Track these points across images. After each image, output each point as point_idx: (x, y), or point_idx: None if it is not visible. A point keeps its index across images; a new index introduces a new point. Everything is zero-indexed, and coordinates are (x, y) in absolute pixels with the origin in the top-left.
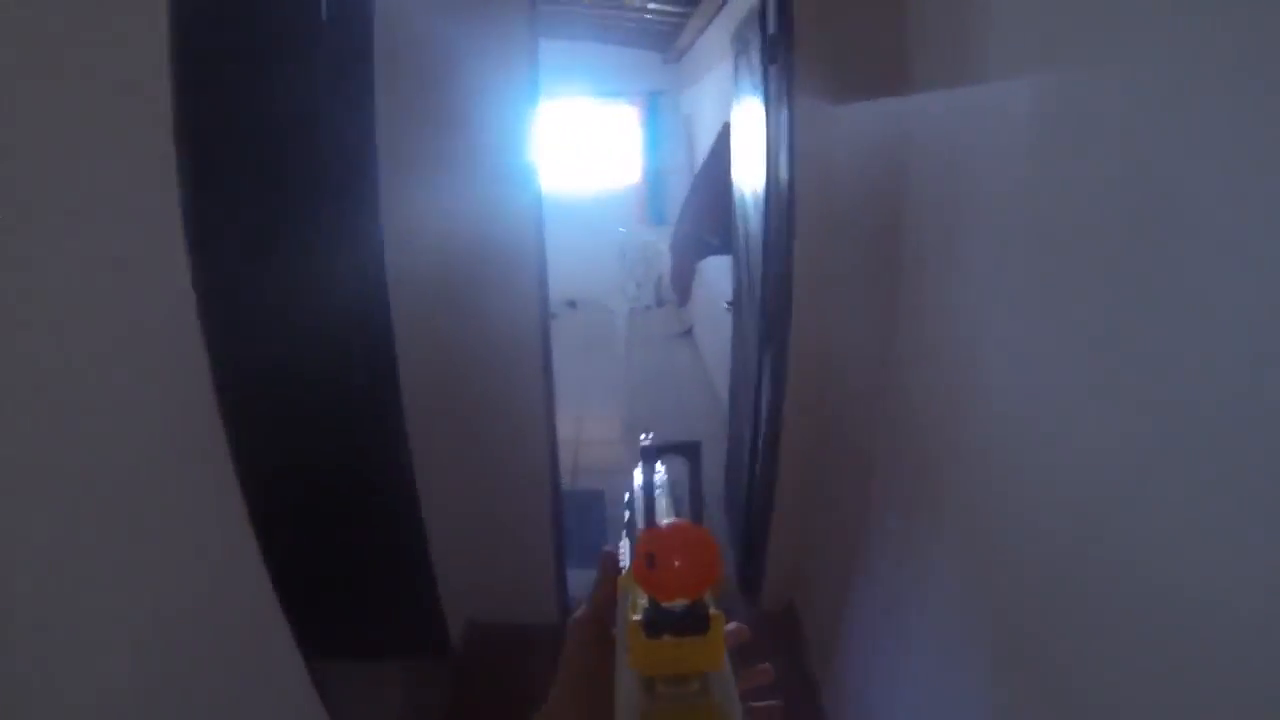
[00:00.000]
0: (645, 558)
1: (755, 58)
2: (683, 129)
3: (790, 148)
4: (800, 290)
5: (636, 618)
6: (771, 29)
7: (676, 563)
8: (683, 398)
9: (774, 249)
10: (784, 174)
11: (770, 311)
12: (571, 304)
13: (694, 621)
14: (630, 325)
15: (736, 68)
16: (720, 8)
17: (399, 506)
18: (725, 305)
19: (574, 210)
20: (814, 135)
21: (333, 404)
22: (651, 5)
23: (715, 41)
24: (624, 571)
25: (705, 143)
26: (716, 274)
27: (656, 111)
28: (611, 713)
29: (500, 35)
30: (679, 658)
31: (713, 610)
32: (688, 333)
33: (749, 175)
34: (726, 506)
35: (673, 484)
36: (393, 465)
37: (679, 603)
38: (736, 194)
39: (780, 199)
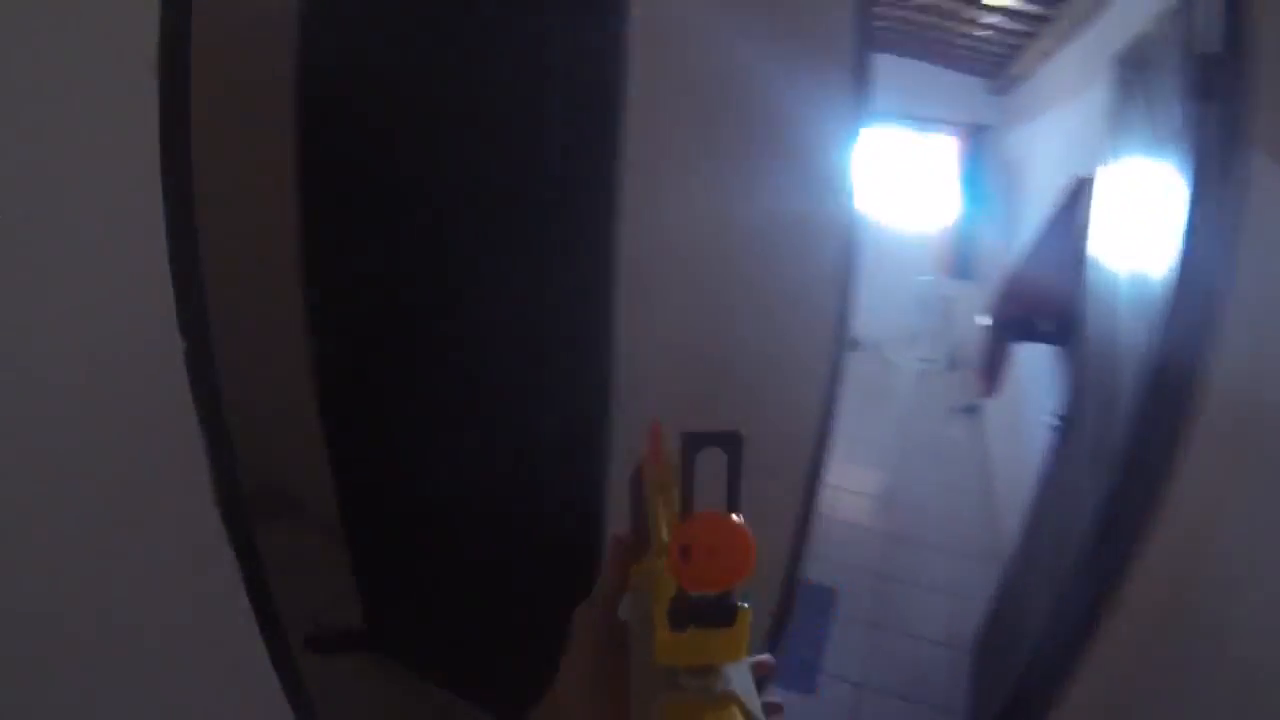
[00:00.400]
0: (680, 548)
1: (1166, 90)
2: (1005, 175)
3: (1231, 239)
4: (1198, 452)
5: (662, 607)
6: (1209, 44)
7: (711, 555)
8: (951, 494)
9: (1173, 386)
10: (1210, 277)
11: (1139, 466)
12: (853, 343)
13: (722, 613)
14: (913, 387)
15: (1120, 104)
16: (1081, 23)
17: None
18: (1050, 418)
19: (873, 245)
20: (1272, 224)
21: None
22: (988, 20)
23: (1067, 70)
24: (640, 560)
25: (1034, 197)
26: (1035, 364)
27: (979, 150)
28: (621, 701)
29: (822, 51)
30: (704, 649)
31: (740, 603)
32: (972, 409)
33: (1129, 263)
34: (976, 656)
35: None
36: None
37: (707, 593)
38: (1094, 279)
39: (1195, 313)
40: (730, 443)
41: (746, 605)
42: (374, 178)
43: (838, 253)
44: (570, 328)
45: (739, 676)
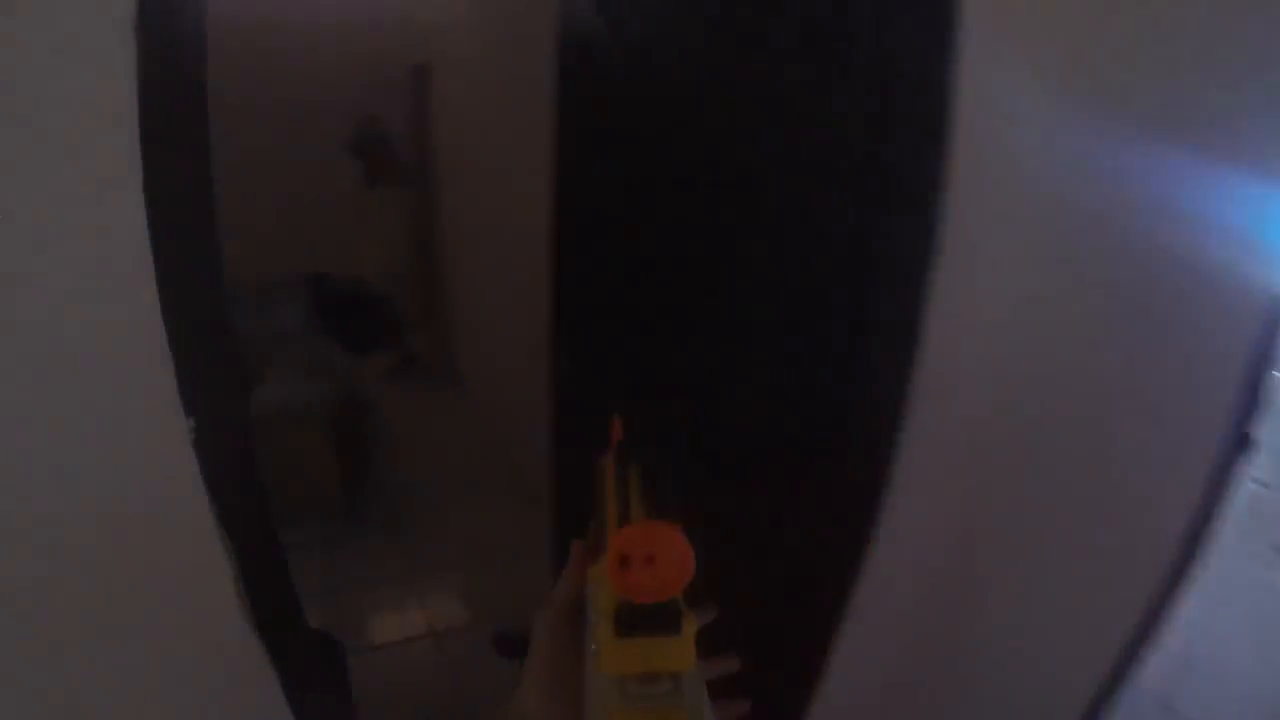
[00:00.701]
0: (619, 558)
1: None
2: None
3: None
4: None
5: (606, 616)
6: None
7: (649, 563)
8: (1268, 665)
9: None
10: None
11: None
12: None
13: (666, 621)
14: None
15: None
16: None
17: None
18: None
19: None
20: None
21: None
22: None
23: None
24: (595, 562)
25: None
26: None
27: None
28: (582, 703)
29: None
30: (650, 657)
31: (685, 610)
32: None
33: None
34: None
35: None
36: None
37: (652, 601)
38: None
39: None
40: (662, 453)
41: (689, 612)
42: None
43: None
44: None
45: (690, 686)
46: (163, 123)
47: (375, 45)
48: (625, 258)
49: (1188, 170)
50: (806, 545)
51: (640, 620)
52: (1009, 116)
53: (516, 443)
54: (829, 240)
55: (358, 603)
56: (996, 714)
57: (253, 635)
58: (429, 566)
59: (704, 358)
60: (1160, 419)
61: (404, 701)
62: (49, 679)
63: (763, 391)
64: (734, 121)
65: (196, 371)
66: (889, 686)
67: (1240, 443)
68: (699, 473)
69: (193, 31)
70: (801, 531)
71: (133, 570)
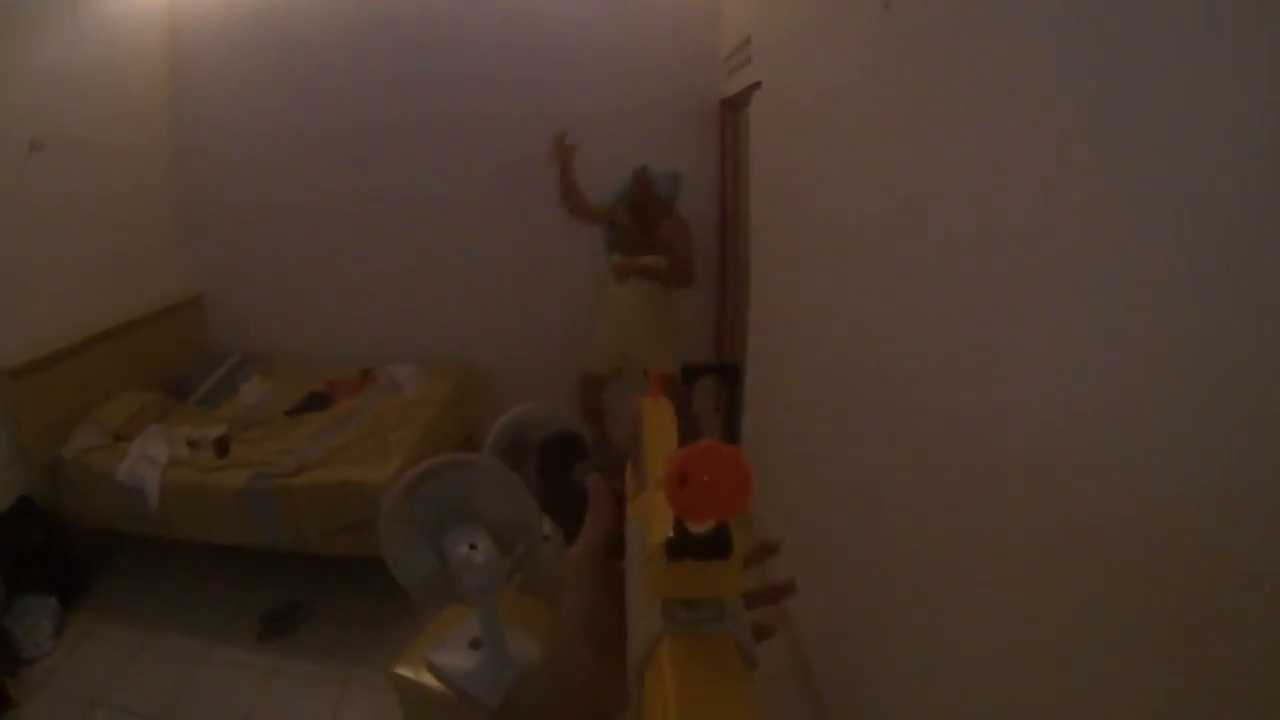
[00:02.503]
0: (679, 476)
1: None
2: None
3: None
4: None
5: (657, 539)
6: None
7: (707, 484)
8: None
9: None
10: None
11: None
12: None
13: (718, 545)
14: None
15: None
16: None
17: None
18: None
19: None
20: None
21: None
22: None
23: None
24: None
25: None
26: None
27: None
28: (616, 648)
29: None
30: (698, 581)
31: (736, 536)
32: None
33: None
34: None
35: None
36: None
37: (703, 527)
38: None
39: None
40: (728, 374)
41: (740, 538)
42: None
43: None
44: None
45: (734, 609)
46: None
47: None
48: None
49: None
50: None
51: (692, 544)
52: None
53: None
54: None
55: None
56: None
57: None
58: None
59: None
60: None
61: None
62: None
63: None
64: None
65: None
66: None
67: None
68: None
69: None
70: None
71: None
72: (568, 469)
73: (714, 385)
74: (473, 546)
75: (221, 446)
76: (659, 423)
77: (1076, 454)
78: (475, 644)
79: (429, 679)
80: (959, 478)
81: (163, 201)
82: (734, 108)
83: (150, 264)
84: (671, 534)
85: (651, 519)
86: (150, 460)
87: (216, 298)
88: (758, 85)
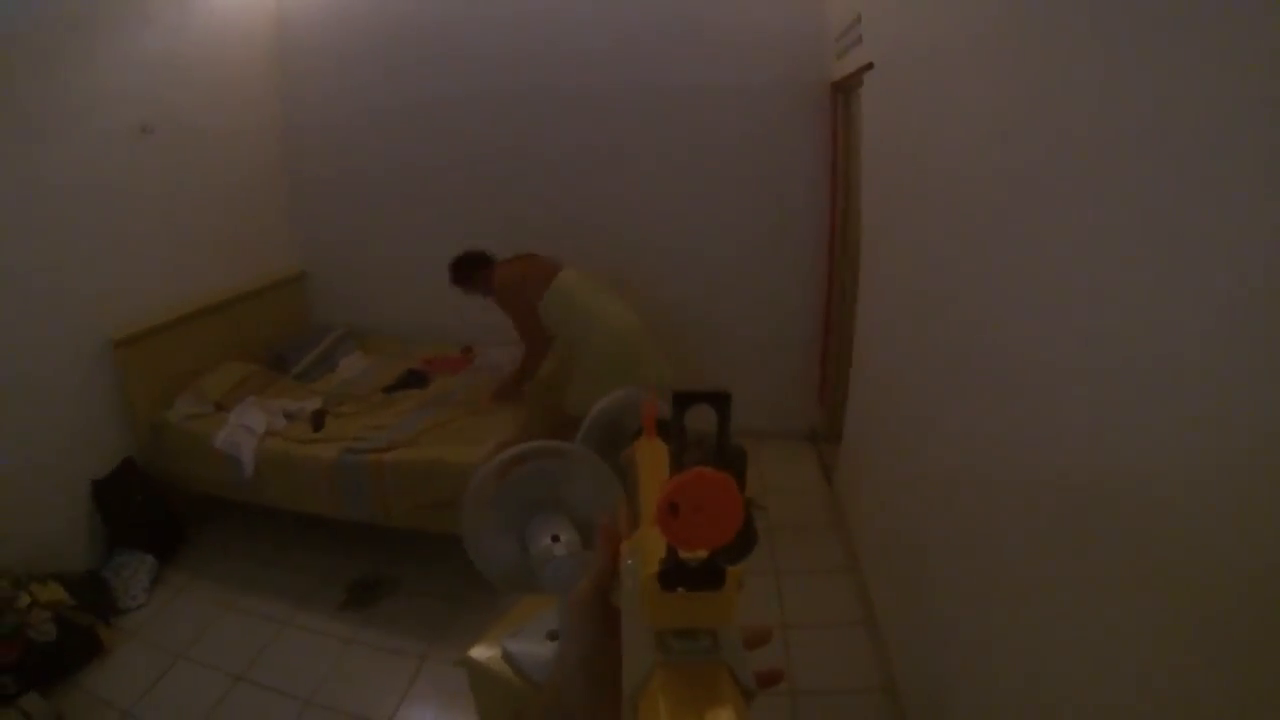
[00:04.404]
0: (669, 505)
1: None
2: None
3: None
4: None
5: (651, 570)
6: None
7: (698, 511)
8: None
9: None
10: None
11: None
12: None
13: (709, 575)
14: None
15: None
16: None
17: None
18: None
19: None
20: None
21: None
22: None
23: None
24: (629, 537)
25: None
26: None
27: None
28: (616, 688)
29: None
30: (692, 611)
31: (730, 568)
32: None
33: None
34: None
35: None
36: None
37: (695, 557)
38: None
39: None
40: (719, 401)
41: (734, 568)
42: None
43: None
44: None
45: (729, 640)
46: None
47: None
48: None
49: None
50: None
51: (684, 574)
52: None
53: None
54: None
55: None
56: None
57: None
58: None
59: None
60: None
61: None
62: None
63: None
64: None
65: None
66: None
67: None
68: None
69: None
70: None
71: None
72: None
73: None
74: (555, 538)
75: (317, 420)
76: (652, 463)
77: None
78: (553, 636)
79: (503, 666)
80: (1085, 500)
81: (270, 182)
82: (845, 91)
83: (257, 241)
84: (664, 563)
85: (645, 551)
86: (247, 430)
87: (320, 275)
88: (869, 67)
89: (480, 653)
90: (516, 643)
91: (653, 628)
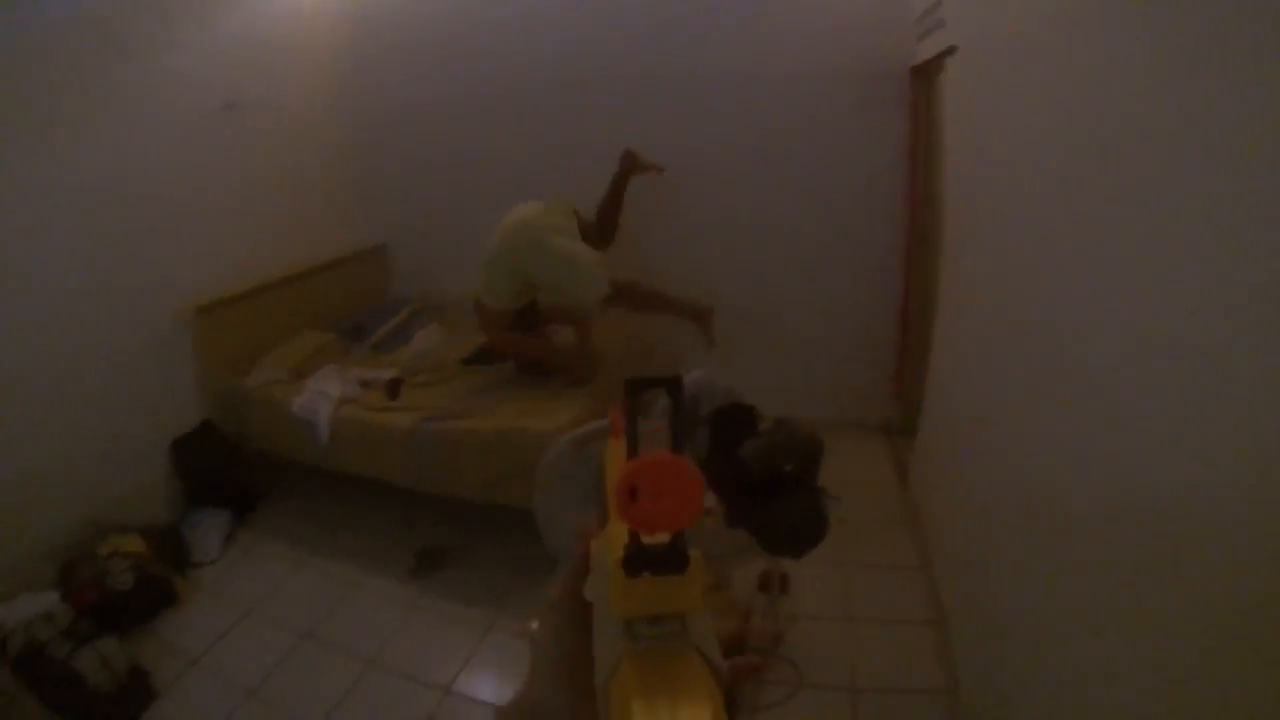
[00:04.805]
0: (628, 490)
1: None
2: None
3: None
4: None
5: (615, 560)
6: None
7: (658, 496)
8: None
9: None
10: None
11: None
12: None
13: (673, 560)
14: None
15: None
16: None
17: None
18: None
19: None
20: None
21: None
22: None
23: None
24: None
25: None
26: None
27: None
28: (589, 684)
29: None
30: (658, 597)
31: (691, 551)
32: None
33: None
34: None
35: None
36: None
37: (658, 542)
38: None
39: None
40: (672, 385)
41: (696, 552)
42: None
43: None
44: None
45: (698, 625)
46: None
47: None
48: None
49: None
50: None
51: (647, 560)
52: None
53: None
54: None
55: None
56: None
57: None
58: None
59: None
60: None
61: None
62: None
63: None
64: None
65: None
66: None
67: None
68: None
69: None
70: None
71: None
72: (737, 444)
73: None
74: None
75: (393, 388)
76: (618, 462)
77: None
78: None
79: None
80: (1168, 520)
81: (347, 158)
82: (925, 76)
83: (335, 215)
84: (627, 549)
85: (612, 539)
86: (324, 396)
87: (399, 248)
88: (952, 50)
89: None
90: None
91: (620, 616)
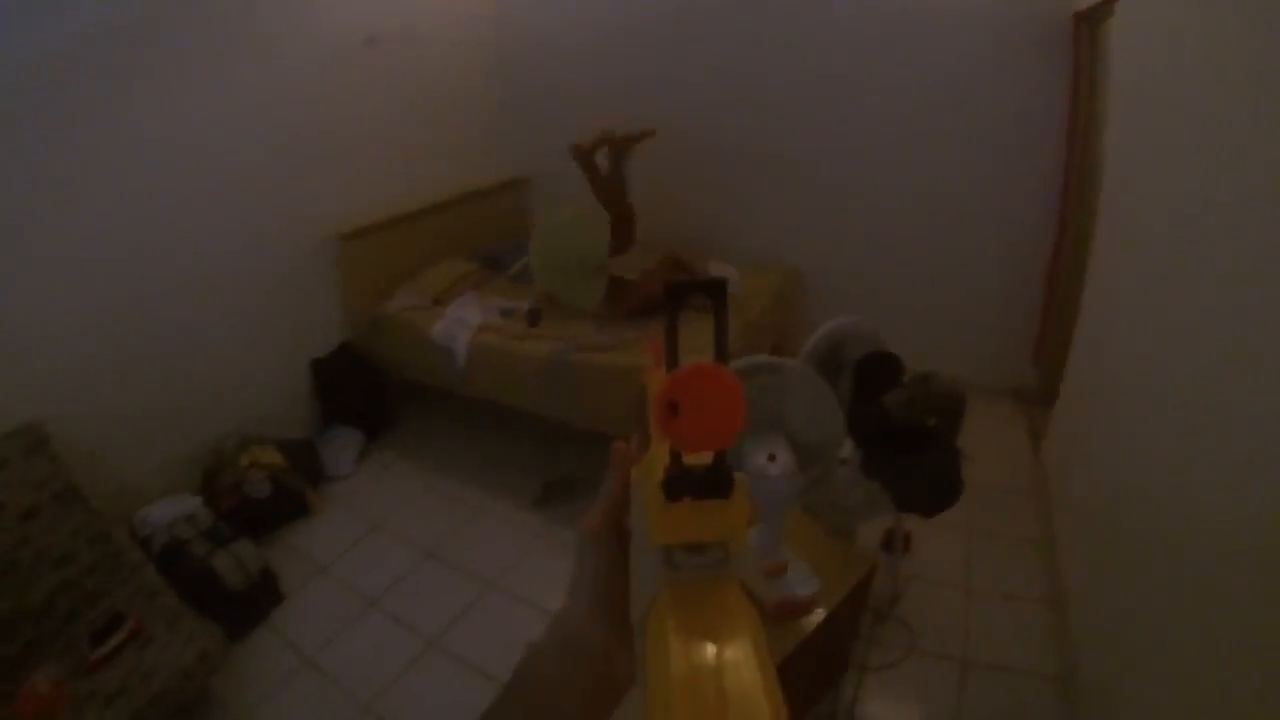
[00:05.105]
0: (668, 405)
1: None
2: None
3: None
4: None
5: (655, 485)
6: None
7: (699, 408)
8: None
9: None
10: None
11: None
12: None
13: (717, 482)
14: None
15: None
16: None
17: None
18: None
19: None
20: None
21: None
22: None
23: None
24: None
25: None
26: None
27: None
28: (628, 615)
29: None
30: (699, 522)
31: (736, 474)
32: None
33: None
34: None
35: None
36: None
37: (700, 461)
38: None
39: None
40: (715, 290)
41: (741, 475)
42: None
43: None
44: None
45: (740, 555)
46: None
47: None
48: None
49: None
50: None
51: (689, 483)
52: None
53: None
54: None
55: None
56: None
57: None
58: None
59: None
60: None
61: None
62: None
63: None
64: None
65: None
66: None
67: None
68: None
69: None
70: None
71: None
72: (880, 393)
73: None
74: (772, 457)
75: (534, 318)
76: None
77: None
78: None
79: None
80: None
81: (491, 91)
82: (1091, 22)
83: (477, 147)
84: (669, 470)
85: (652, 464)
86: (463, 324)
87: (541, 181)
88: None
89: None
90: None
91: (659, 542)
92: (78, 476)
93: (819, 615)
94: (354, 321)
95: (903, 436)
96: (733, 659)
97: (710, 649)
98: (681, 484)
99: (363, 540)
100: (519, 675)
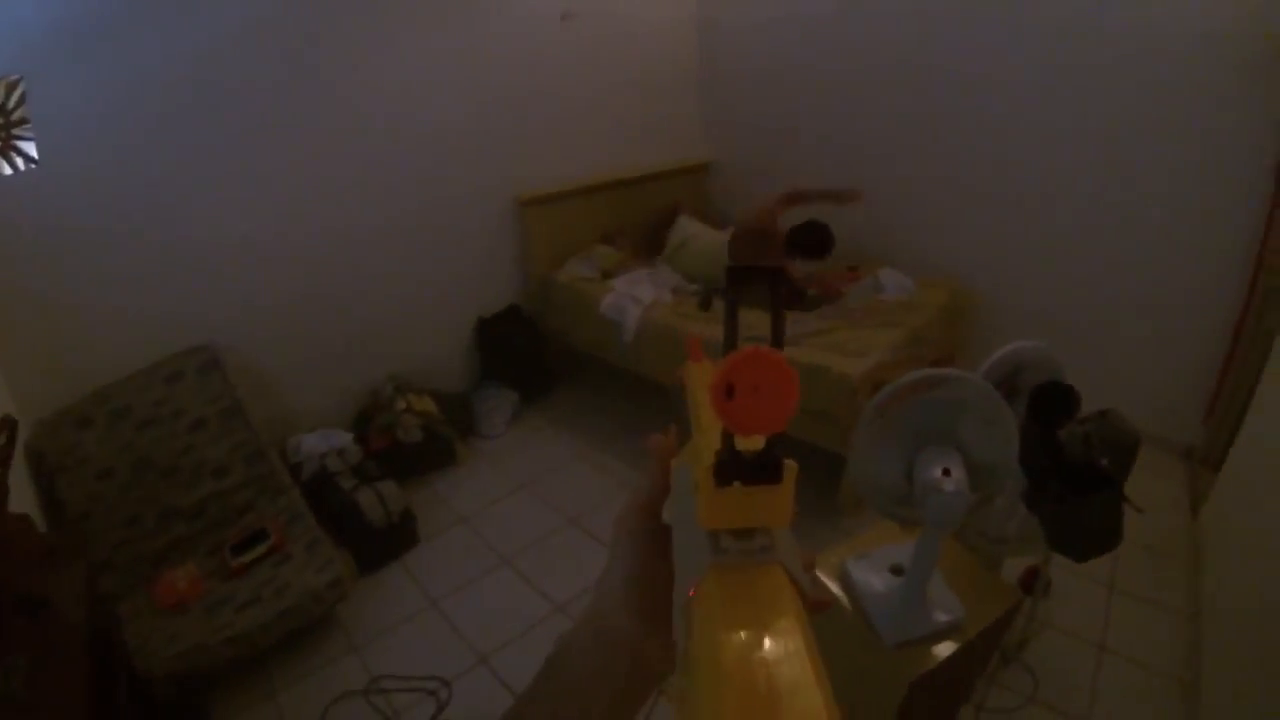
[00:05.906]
0: (725, 387)
1: None
2: None
3: None
4: None
5: (706, 468)
6: None
7: (755, 392)
8: None
9: None
10: None
11: None
12: None
13: (767, 468)
14: None
15: None
16: None
17: None
18: None
19: None
20: None
21: None
22: None
23: None
24: (679, 451)
25: None
26: None
27: None
28: (661, 611)
29: None
30: (749, 508)
31: (787, 460)
32: None
33: None
34: None
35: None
36: None
37: (752, 447)
38: None
39: None
40: (774, 277)
41: (791, 462)
42: None
43: None
44: None
45: (784, 541)
46: None
47: None
48: None
49: None
50: None
51: (740, 468)
52: None
53: None
54: None
55: None
56: None
57: None
58: None
59: None
60: None
61: None
62: None
63: None
64: None
65: None
66: None
67: None
68: None
69: None
70: None
71: None
72: (1053, 424)
73: None
74: (946, 472)
75: (705, 300)
76: (701, 380)
77: None
78: (896, 570)
79: (836, 587)
80: None
81: (684, 73)
82: None
83: (665, 128)
84: (720, 454)
85: (700, 450)
86: (634, 299)
87: (726, 168)
88: None
89: (820, 569)
90: (859, 567)
91: (707, 528)
92: (245, 398)
93: (952, 645)
94: (526, 286)
95: (1073, 472)
96: (783, 651)
97: (761, 640)
98: (733, 469)
99: (506, 498)
100: (551, 665)
